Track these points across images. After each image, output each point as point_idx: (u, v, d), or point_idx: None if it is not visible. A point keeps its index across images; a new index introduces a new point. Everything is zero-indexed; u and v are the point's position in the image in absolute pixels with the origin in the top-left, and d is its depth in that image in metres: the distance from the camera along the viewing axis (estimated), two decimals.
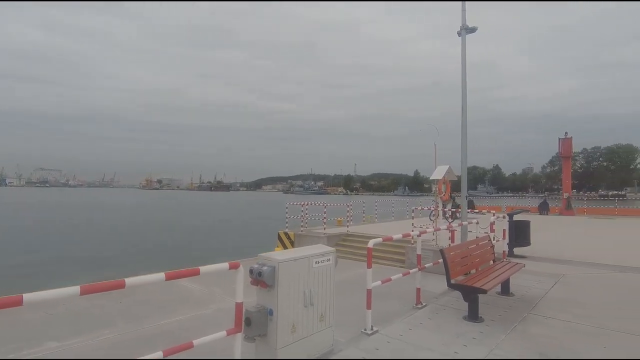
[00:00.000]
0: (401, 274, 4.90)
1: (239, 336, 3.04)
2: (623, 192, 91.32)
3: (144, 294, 6.16)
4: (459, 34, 7.42)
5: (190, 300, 6.04)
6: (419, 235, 5.20)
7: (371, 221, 17.25)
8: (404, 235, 4.88)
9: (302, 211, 12.23)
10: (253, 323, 3.04)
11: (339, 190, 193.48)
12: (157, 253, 19.93)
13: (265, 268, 3.06)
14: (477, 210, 14.38)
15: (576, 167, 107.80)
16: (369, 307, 4.17)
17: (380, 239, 4.53)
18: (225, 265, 2.92)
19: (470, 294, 4.58)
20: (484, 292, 4.44)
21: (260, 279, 3.05)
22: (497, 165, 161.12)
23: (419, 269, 5.13)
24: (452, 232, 7.63)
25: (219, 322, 4.68)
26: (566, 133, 24.94)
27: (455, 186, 11.13)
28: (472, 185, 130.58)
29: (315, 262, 3.47)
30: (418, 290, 5.23)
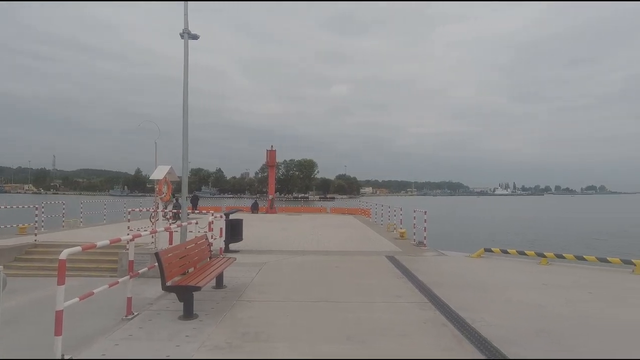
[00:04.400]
0: (107, 285, 4.28)
1: None
2: (307, 195, 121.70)
3: None
4: (182, 36, 7.49)
5: None
6: (131, 240, 4.74)
7: (75, 226, 14.31)
8: (112, 241, 4.30)
9: None
10: None
11: (26, 188, 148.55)
12: None
13: None
14: (198, 211, 14.90)
15: (279, 175, 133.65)
16: (58, 332, 3.37)
17: (79, 248, 3.77)
18: None
19: (185, 293, 4.63)
20: (198, 289, 4.61)
21: None
22: (220, 168, 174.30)
23: (131, 277, 4.68)
24: (170, 233, 7.50)
25: None
26: (272, 146, 30.43)
27: (178, 187, 11.07)
28: (197, 187, 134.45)
29: None
30: (129, 299, 4.76)
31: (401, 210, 14.48)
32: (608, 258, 7.84)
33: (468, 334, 4.19)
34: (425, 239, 11.26)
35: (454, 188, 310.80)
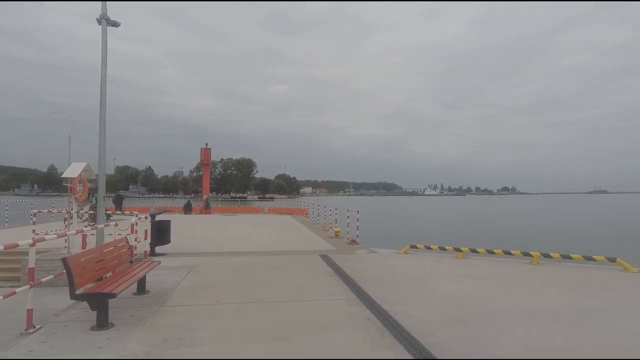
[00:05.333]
0: (1, 297, 3.77)
1: None
2: (245, 195, 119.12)
3: None
4: (99, 21, 6.83)
5: None
6: (32, 245, 4.23)
7: None
8: (7, 247, 3.79)
9: None
10: None
11: None
12: None
13: None
14: (121, 212, 13.78)
15: (216, 174, 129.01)
16: None
17: None
18: None
19: (99, 301, 4.26)
20: (114, 296, 4.26)
21: None
22: (150, 166, 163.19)
23: (31, 286, 4.17)
24: (84, 236, 6.84)
25: None
26: (207, 144, 29.29)
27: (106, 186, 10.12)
28: (124, 186, 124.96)
29: None
30: (29, 312, 4.23)
31: (336, 210, 14.85)
32: (512, 251, 8.85)
33: (390, 326, 4.44)
34: (357, 237, 11.68)
35: (388, 188, 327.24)
